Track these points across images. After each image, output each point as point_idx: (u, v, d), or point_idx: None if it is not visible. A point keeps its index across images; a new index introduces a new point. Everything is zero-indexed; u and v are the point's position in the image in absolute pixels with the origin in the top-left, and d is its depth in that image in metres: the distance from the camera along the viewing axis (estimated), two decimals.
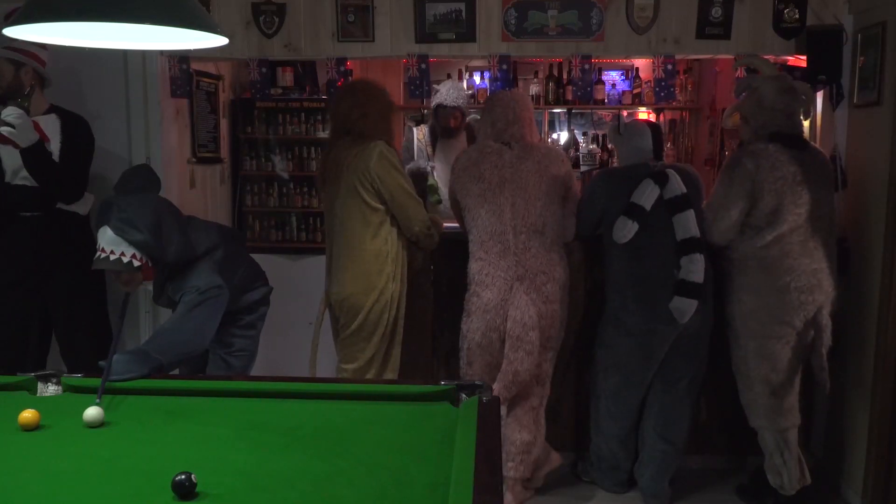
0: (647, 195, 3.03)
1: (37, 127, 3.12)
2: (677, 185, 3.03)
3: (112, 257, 2.50)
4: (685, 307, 3.00)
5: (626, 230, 3.04)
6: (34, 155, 3.07)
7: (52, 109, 3.26)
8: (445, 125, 4.25)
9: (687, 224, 3.01)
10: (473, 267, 3.13)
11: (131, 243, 2.51)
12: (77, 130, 3.27)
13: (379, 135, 3.12)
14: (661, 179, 3.03)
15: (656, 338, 3.11)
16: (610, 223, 3.09)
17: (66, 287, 3.27)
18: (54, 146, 3.17)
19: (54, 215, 3.23)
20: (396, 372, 3.24)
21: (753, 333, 3.07)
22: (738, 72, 3.59)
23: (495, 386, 3.04)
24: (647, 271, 3.08)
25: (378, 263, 3.11)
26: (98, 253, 2.52)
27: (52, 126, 3.19)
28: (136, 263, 2.52)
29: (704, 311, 3.09)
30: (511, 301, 3.04)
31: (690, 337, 3.11)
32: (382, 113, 3.18)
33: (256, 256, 3.17)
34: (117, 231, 2.50)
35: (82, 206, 3.32)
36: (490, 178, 3.09)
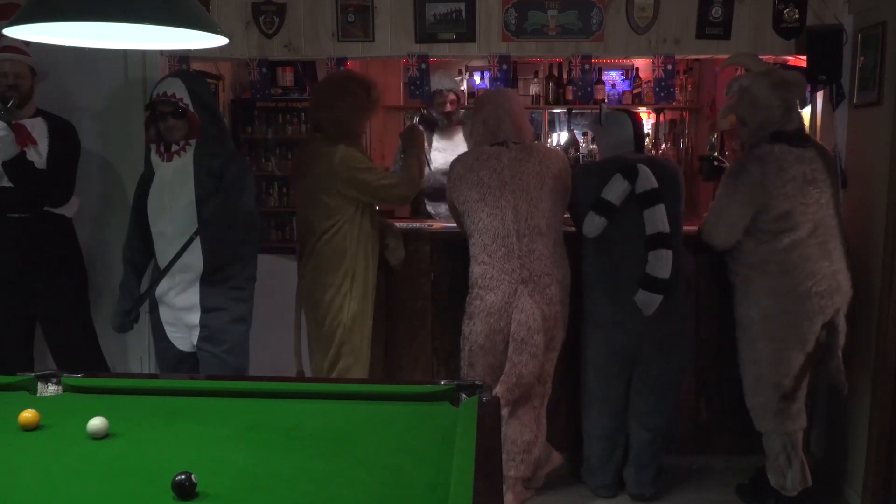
0: (615, 190, 3.03)
1: (24, 130, 3.12)
2: (648, 180, 3.02)
3: (163, 98, 2.80)
4: (649, 301, 3.01)
5: (592, 225, 3.06)
6: (15, 168, 3.08)
7: (38, 113, 3.25)
8: (442, 112, 4.25)
9: (655, 219, 3.01)
10: (476, 270, 3.10)
11: (189, 89, 2.81)
12: (64, 134, 3.27)
13: (344, 135, 3.14)
14: (631, 174, 3.03)
15: (623, 331, 3.13)
16: (583, 217, 3.11)
17: (53, 289, 3.27)
18: (42, 149, 3.16)
19: (41, 217, 3.22)
20: (366, 370, 3.24)
21: (771, 338, 3.03)
22: (739, 70, 3.59)
23: (498, 388, 3.04)
24: (615, 264, 3.11)
25: (336, 260, 3.14)
26: (153, 98, 2.83)
27: (39, 129, 3.19)
28: (182, 106, 2.79)
29: (677, 302, 3.10)
30: (515, 304, 3.03)
31: (667, 334, 3.13)
32: (351, 110, 3.15)
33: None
34: (181, 75, 2.91)
35: (69, 209, 3.31)
36: (490, 182, 3.08)
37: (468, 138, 4.08)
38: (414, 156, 3.35)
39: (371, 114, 3.28)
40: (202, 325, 2.91)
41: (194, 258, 2.86)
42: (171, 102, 2.79)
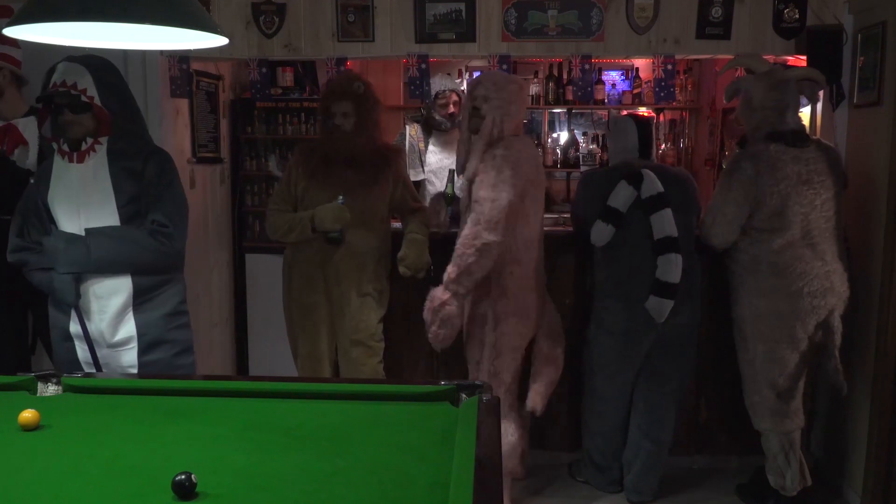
0: (621, 197, 3.03)
1: (14, 130, 3.08)
2: (653, 184, 3.02)
3: (62, 89, 2.33)
4: (661, 307, 3.01)
5: (600, 233, 3.07)
6: None
7: (32, 112, 3.18)
8: (446, 114, 4.12)
9: (663, 223, 3.00)
10: (516, 271, 2.98)
11: (96, 78, 2.35)
12: None
13: None
14: (636, 180, 3.03)
15: (635, 337, 3.13)
16: (590, 226, 3.11)
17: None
18: (32, 150, 3.11)
19: None
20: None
21: (764, 338, 3.04)
22: (739, 71, 3.59)
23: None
24: (625, 270, 3.10)
25: None
26: (48, 87, 2.35)
27: (30, 129, 3.13)
28: (85, 99, 2.33)
29: (690, 310, 3.10)
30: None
31: (676, 337, 3.12)
32: None
33: (257, 256, 3.16)
34: (85, 60, 2.36)
35: None
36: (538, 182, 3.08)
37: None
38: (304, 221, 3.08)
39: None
40: (142, 363, 2.47)
41: (120, 279, 2.44)
42: (70, 94, 2.32)
